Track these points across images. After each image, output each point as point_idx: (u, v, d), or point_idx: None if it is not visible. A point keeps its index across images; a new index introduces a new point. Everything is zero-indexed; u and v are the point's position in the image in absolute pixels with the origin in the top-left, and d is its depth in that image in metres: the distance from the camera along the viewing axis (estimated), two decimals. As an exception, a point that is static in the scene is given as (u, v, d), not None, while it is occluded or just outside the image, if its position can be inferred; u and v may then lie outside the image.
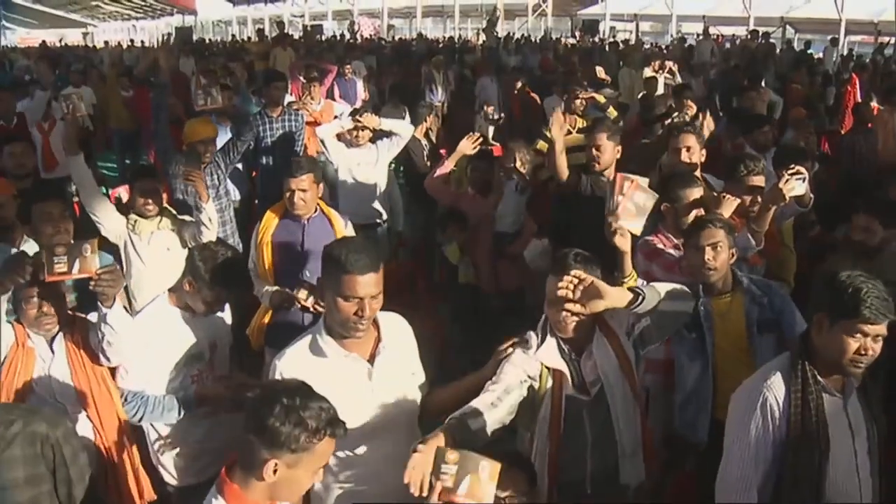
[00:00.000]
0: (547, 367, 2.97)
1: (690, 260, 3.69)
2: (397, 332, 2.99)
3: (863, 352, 2.55)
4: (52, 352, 3.26)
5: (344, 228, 4.54)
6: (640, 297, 2.79)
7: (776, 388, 2.65)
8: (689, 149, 4.97)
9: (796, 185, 4.12)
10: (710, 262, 3.56)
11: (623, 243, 3.44)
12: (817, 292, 2.70)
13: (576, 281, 2.76)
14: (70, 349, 3.27)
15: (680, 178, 4.43)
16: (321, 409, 2.13)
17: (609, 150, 5.16)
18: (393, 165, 6.90)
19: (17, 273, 3.05)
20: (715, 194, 4.24)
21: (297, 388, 2.17)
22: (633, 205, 3.37)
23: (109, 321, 3.12)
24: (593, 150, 5.17)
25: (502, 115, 10.21)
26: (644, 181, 3.46)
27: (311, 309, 4.16)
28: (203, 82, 7.00)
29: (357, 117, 6.24)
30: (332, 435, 2.15)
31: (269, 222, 4.48)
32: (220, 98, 5.82)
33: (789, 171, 4.13)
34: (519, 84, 11.63)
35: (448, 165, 5.68)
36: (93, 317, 3.31)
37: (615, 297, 2.77)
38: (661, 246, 4.22)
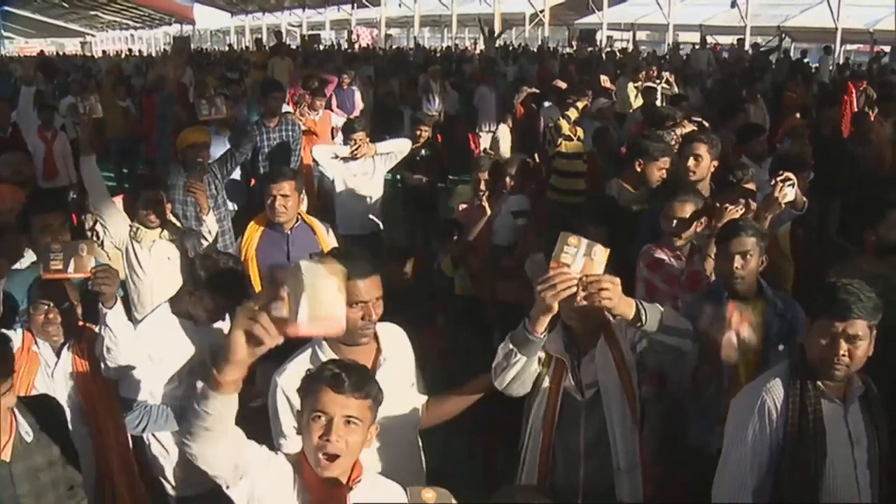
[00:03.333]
0: (549, 357, 2.99)
1: (719, 266, 3.66)
2: (397, 343, 3.00)
3: (838, 351, 2.53)
4: (58, 358, 3.26)
5: (326, 236, 4.55)
6: (644, 316, 2.75)
7: (775, 392, 2.66)
8: (697, 157, 4.82)
9: (788, 192, 4.13)
10: (738, 271, 3.52)
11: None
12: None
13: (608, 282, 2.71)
14: (75, 357, 3.27)
15: (674, 190, 4.38)
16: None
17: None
18: (389, 176, 6.94)
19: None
20: (718, 205, 4.21)
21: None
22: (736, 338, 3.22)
23: (109, 322, 3.12)
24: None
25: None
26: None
27: None
28: (207, 93, 7.02)
29: (353, 151, 6.27)
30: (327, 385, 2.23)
31: (252, 235, 4.47)
32: (224, 108, 5.84)
33: (780, 178, 4.14)
34: (525, 91, 11.61)
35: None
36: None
37: (623, 305, 2.71)
38: (662, 256, 4.20)
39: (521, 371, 2.79)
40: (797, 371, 2.67)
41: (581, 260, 2.51)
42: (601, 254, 2.52)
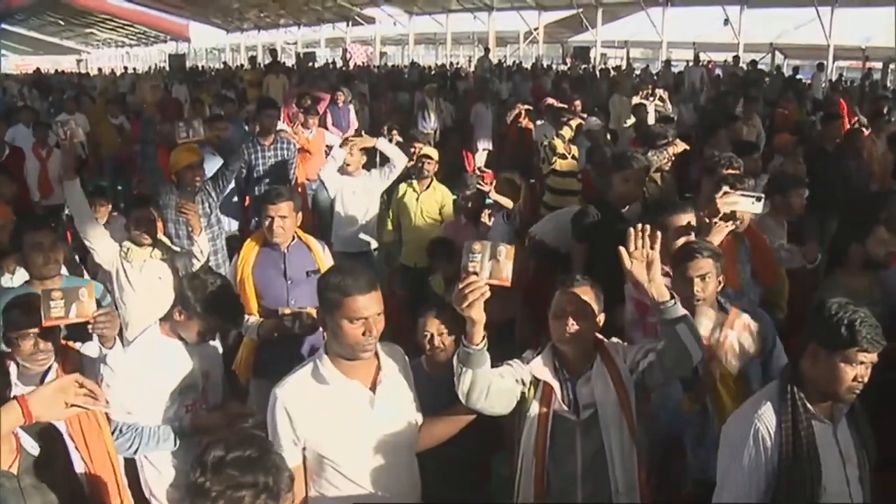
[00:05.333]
0: (537, 380, 3.00)
1: (678, 290, 3.63)
2: (396, 361, 2.99)
3: (860, 380, 2.57)
4: (41, 384, 3.22)
5: (323, 254, 4.53)
6: (675, 300, 2.84)
7: (767, 418, 2.66)
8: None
9: (740, 200, 4.09)
10: (698, 294, 3.53)
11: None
12: (809, 322, 2.70)
13: (650, 235, 2.82)
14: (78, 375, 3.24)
15: (668, 204, 4.40)
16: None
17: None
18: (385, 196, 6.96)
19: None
20: (708, 221, 4.20)
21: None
22: None
23: (110, 363, 3.12)
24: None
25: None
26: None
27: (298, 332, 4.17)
28: (185, 116, 7.00)
29: (349, 140, 6.32)
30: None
31: (248, 253, 4.45)
32: (202, 130, 5.82)
33: (737, 187, 4.14)
34: (515, 111, 11.62)
35: None
36: (85, 349, 3.30)
37: (658, 283, 2.84)
38: None
39: (474, 383, 2.79)
40: (788, 395, 2.67)
41: (488, 264, 2.62)
42: (506, 252, 2.62)
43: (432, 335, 3.63)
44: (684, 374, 3.15)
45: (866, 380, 2.58)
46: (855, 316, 2.54)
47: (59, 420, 2.44)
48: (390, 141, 8.42)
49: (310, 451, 2.78)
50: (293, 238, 4.46)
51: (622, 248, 2.86)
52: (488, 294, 2.62)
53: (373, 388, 2.82)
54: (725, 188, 4.11)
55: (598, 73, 21.34)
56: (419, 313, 3.78)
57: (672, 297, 2.85)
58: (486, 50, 26.06)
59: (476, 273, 2.60)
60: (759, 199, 4.11)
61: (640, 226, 2.85)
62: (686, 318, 2.84)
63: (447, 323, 3.59)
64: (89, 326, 3.08)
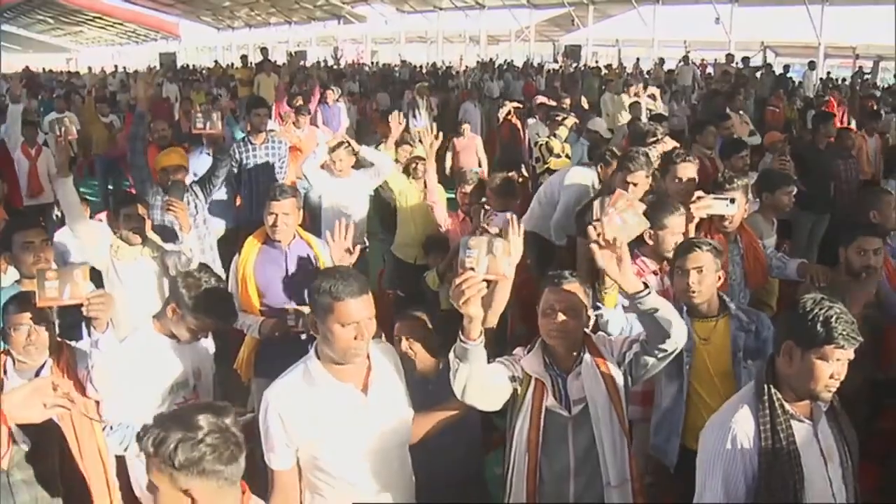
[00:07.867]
0: (529, 377, 3.00)
1: (675, 282, 3.69)
2: (387, 360, 2.99)
3: (837, 377, 2.54)
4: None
5: (323, 252, 4.52)
6: (648, 290, 2.83)
7: (745, 422, 2.62)
8: (683, 179, 4.88)
9: (713, 204, 4.10)
10: (693, 286, 3.55)
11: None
12: (785, 320, 2.68)
13: (610, 227, 2.81)
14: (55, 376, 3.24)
15: (664, 205, 4.41)
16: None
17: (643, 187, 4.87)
18: (373, 193, 6.95)
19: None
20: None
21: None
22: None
23: (102, 347, 3.11)
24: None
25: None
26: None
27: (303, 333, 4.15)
28: (203, 106, 6.94)
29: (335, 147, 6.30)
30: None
31: (250, 252, 4.43)
32: (219, 125, 5.76)
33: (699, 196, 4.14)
34: (506, 108, 11.61)
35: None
36: (81, 345, 3.29)
37: (628, 277, 2.81)
38: (646, 275, 4.16)
39: (470, 379, 2.77)
40: (765, 396, 2.64)
41: (485, 259, 2.60)
42: (502, 247, 2.61)
43: (401, 339, 3.62)
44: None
45: (843, 377, 2.54)
46: (830, 312, 2.51)
47: (35, 421, 2.38)
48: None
49: (303, 453, 2.77)
50: (294, 236, 4.46)
51: (594, 246, 2.83)
52: (485, 290, 2.62)
53: (364, 390, 2.81)
54: (699, 193, 4.13)
55: (590, 71, 21.37)
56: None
57: (645, 286, 2.85)
58: (487, 63, 25.81)
59: (473, 269, 2.60)
60: (732, 200, 4.13)
61: (597, 223, 2.85)
62: (662, 304, 2.85)
63: (412, 330, 3.61)
64: (83, 308, 3.06)
